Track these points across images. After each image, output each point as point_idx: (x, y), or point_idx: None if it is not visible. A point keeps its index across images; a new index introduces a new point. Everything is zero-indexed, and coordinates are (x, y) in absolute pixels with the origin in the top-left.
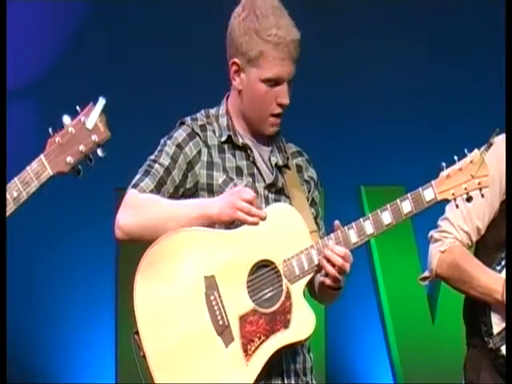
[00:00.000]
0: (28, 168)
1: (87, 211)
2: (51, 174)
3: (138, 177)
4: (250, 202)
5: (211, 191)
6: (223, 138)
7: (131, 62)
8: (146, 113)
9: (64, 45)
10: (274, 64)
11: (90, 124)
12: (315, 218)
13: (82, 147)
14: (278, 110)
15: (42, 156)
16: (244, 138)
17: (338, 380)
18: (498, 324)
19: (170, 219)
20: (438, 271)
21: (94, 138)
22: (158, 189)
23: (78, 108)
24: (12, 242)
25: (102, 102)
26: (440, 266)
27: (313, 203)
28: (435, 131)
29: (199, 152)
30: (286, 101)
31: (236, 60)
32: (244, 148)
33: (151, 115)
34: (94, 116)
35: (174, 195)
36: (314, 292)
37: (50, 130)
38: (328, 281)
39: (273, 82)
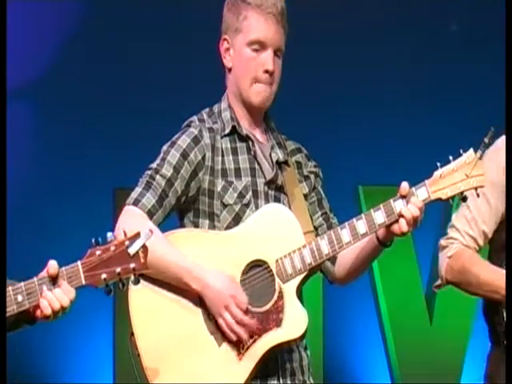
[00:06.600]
0: (63, 269)
1: (86, 210)
2: (83, 283)
3: (139, 190)
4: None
5: (211, 197)
6: (227, 130)
7: (130, 62)
8: (146, 112)
9: (63, 45)
10: (257, 26)
11: (132, 250)
12: (320, 200)
13: (118, 269)
14: (264, 77)
15: (79, 263)
16: (246, 131)
17: (335, 380)
18: None
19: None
20: (447, 277)
21: (133, 265)
22: (159, 203)
23: (123, 230)
24: (11, 241)
25: (148, 234)
26: (448, 271)
27: (315, 189)
28: (434, 131)
29: (204, 157)
30: (270, 67)
31: (225, 36)
32: (246, 140)
33: (151, 115)
34: (137, 244)
35: (176, 205)
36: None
37: (93, 240)
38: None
39: (257, 46)
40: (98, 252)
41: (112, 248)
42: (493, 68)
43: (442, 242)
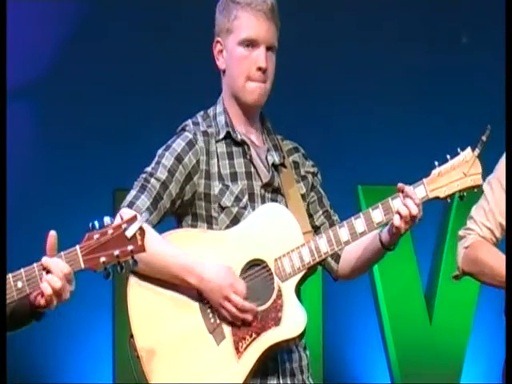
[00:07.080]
0: (62, 253)
1: (85, 211)
2: (82, 267)
3: (133, 193)
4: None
5: (208, 201)
6: (221, 135)
7: (130, 62)
8: (145, 113)
9: (63, 45)
10: (248, 24)
11: (129, 233)
12: (320, 199)
13: (117, 252)
14: (257, 74)
15: (77, 247)
16: (242, 135)
17: (335, 380)
18: None
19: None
20: (463, 268)
21: (131, 248)
22: (154, 206)
23: (120, 215)
24: (11, 240)
25: (145, 216)
26: (464, 262)
27: (314, 188)
28: (433, 131)
29: (198, 161)
30: (263, 64)
31: (218, 38)
32: (242, 145)
33: (150, 115)
34: (134, 227)
35: (171, 208)
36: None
37: (90, 224)
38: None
39: (249, 44)
40: (95, 236)
41: (110, 231)
42: (492, 68)
43: (461, 232)
